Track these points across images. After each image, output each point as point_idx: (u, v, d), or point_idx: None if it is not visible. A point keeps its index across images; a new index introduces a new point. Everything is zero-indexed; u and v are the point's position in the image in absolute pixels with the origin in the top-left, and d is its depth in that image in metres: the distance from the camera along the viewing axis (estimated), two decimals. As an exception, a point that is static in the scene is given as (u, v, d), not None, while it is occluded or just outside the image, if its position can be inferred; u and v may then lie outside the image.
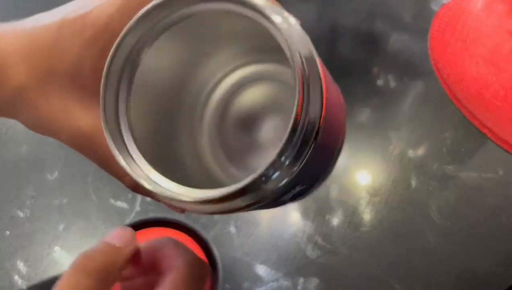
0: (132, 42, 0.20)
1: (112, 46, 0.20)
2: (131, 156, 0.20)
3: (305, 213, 0.41)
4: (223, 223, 0.42)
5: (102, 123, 0.20)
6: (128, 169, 0.19)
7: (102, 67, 0.20)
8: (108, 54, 0.20)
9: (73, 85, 0.22)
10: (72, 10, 0.21)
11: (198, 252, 0.39)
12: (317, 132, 0.18)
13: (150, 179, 0.19)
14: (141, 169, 0.20)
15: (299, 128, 0.17)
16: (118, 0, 0.21)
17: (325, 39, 0.59)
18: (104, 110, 0.20)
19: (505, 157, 0.47)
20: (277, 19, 0.18)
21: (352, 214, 0.42)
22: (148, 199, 0.43)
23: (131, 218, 0.43)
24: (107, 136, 0.20)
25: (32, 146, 0.42)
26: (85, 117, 0.23)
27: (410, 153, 0.48)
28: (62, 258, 0.41)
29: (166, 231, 0.40)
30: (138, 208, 0.43)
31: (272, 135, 0.27)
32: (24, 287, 0.40)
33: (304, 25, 0.19)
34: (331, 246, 0.39)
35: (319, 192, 0.43)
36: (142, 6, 0.20)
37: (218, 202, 0.18)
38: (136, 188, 0.21)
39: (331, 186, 0.43)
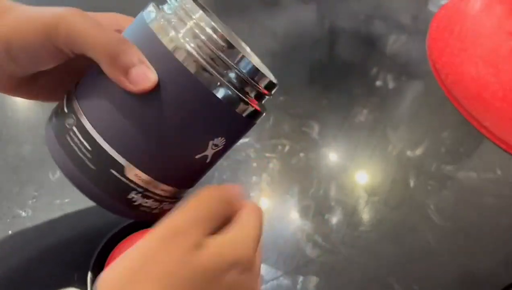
0: None
1: None
2: None
3: (304, 213, 0.41)
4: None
5: None
6: None
7: None
8: None
9: None
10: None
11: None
12: None
13: None
14: None
15: None
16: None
17: (324, 40, 0.60)
18: None
19: (504, 157, 0.47)
20: None
21: (351, 214, 0.42)
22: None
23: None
24: None
25: (34, 146, 0.42)
26: None
27: (409, 153, 0.48)
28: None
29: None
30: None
31: None
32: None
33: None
34: (331, 246, 0.39)
35: (318, 192, 0.43)
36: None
37: None
38: None
39: (330, 186, 0.44)
